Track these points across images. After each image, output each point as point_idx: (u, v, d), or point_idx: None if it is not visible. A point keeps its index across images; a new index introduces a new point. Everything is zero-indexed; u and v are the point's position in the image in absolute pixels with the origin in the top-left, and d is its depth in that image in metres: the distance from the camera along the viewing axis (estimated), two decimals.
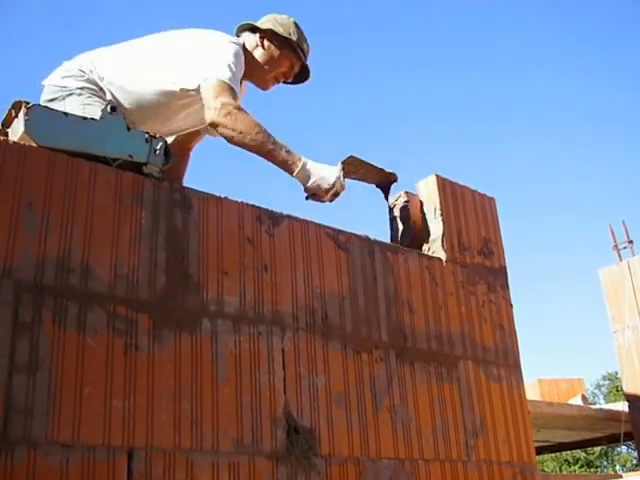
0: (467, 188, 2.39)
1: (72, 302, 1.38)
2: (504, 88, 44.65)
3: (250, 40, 2.30)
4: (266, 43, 2.28)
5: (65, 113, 1.50)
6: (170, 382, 1.45)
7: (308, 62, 2.36)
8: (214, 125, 1.98)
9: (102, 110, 1.56)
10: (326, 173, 2.01)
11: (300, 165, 1.98)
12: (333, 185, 2.01)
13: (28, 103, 1.47)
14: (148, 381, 1.42)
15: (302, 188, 2.03)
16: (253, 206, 1.76)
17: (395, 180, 2.28)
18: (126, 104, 2.13)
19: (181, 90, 2.10)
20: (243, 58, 2.18)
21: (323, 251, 1.85)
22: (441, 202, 2.24)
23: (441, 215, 2.22)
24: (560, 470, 22.39)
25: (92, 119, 1.53)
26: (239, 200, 1.76)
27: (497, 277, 2.32)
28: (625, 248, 5.37)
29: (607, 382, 25.81)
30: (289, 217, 1.82)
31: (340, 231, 1.93)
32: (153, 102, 2.14)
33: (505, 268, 2.37)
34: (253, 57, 2.27)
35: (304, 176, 1.99)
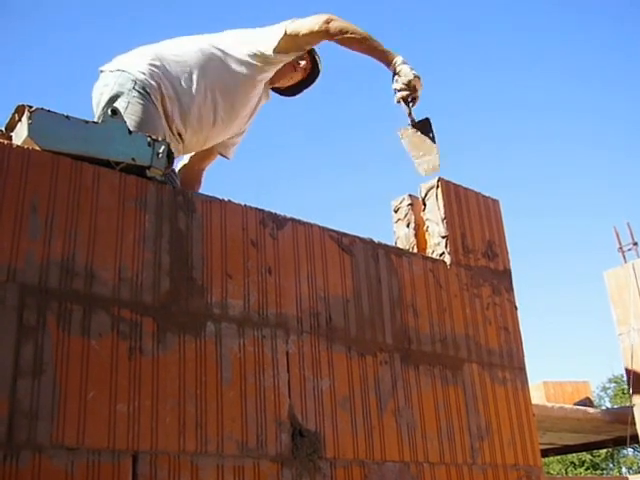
0: (471, 190, 2.38)
1: (76, 305, 1.38)
2: (507, 89, 44.63)
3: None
4: (304, 61, 2.46)
5: (68, 117, 1.50)
6: (175, 385, 1.45)
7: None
8: (329, 21, 2.21)
9: (104, 114, 1.56)
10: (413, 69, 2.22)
11: (397, 58, 2.23)
12: (419, 77, 2.21)
13: (31, 107, 1.47)
14: (153, 384, 1.42)
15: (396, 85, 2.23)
16: (257, 209, 1.76)
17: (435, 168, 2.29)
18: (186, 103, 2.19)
19: (261, 54, 2.22)
20: None
21: (327, 254, 1.85)
22: (445, 205, 2.24)
23: (445, 218, 2.21)
24: (566, 472, 22.30)
25: (95, 122, 1.54)
26: (243, 203, 1.76)
27: (502, 279, 2.31)
28: (630, 250, 5.36)
29: (613, 385, 25.72)
30: (293, 220, 1.82)
31: (344, 234, 1.93)
32: (236, 76, 2.23)
33: (510, 270, 2.37)
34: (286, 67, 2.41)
35: (401, 63, 2.22)
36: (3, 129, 1.54)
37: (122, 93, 2.05)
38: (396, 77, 2.21)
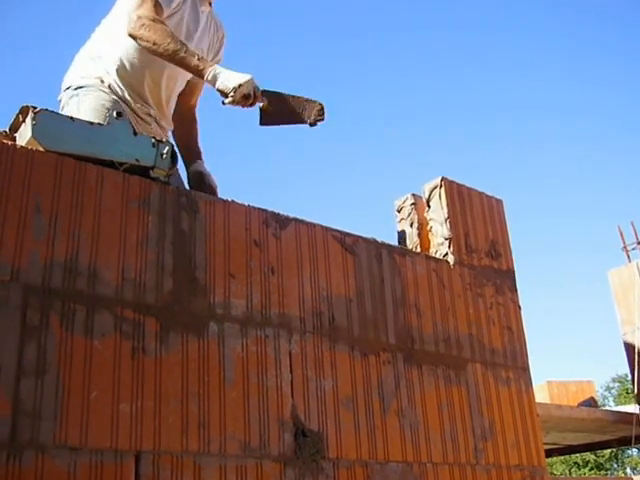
0: (474, 190, 2.38)
1: (79, 305, 1.38)
2: (512, 89, 44.55)
3: None
4: None
5: (72, 118, 1.51)
6: (177, 385, 1.45)
7: None
8: (131, 37, 2.05)
9: (109, 115, 1.56)
10: (235, 76, 1.99)
11: (210, 70, 1.99)
12: (239, 85, 1.97)
13: (35, 108, 1.48)
14: (155, 384, 1.42)
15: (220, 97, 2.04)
16: (260, 209, 1.76)
17: (321, 114, 2.15)
18: (131, 72, 2.16)
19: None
20: None
21: (330, 254, 1.85)
22: (448, 204, 2.24)
23: (448, 217, 2.21)
24: (569, 473, 22.25)
25: (99, 124, 1.54)
26: (246, 203, 1.76)
27: (505, 279, 2.31)
28: (634, 249, 5.35)
29: (617, 384, 25.65)
30: (296, 220, 1.82)
31: (347, 234, 1.92)
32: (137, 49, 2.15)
33: (513, 270, 2.36)
34: None
35: (214, 79, 1.99)
36: (7, 130, 1.55)
37: (71, 100, 2.10)
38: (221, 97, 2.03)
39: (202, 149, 2.47)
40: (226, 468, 1.45)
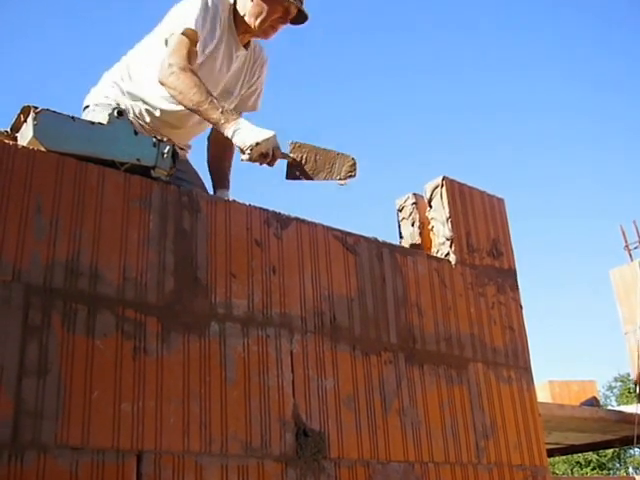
0: (475, 189, 2.38)
1: (81, 305, 1.38)
2: (514, 88, 44.48)
3: None
4: None
5: (73, 117, 1.50)
6: (179, 385, 1.45)
7: (304, 3, 2.30)
8: (161, 84, 2.06)
9: (109, 115, 1.56)
10: (255, 133, 1.94)
11: (229, 125, 1.96)
12: (256, 144, 1.92)
13: (37, 108, 1.48)
14: (157, 384, 1.42)
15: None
16: (261, 209, 1.76)
17: (352, 169, 2.12)
18: (157, 112, 2.20)
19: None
20: (227, 13, 2.23)
21: (331, 253, 1.85)
22: (449, 204, 2.23)
23: (449, 217, 2.21)
24: (572, 472, 22.24)
25: (100, 123, 1.54)
26: (247, 203, 1.76)
27: (506, 278, 2.31)
28: (636, 248, 5.34)
29: (619, 384, 25.62)
30: (297, 220, 1.82)
31: (348, 233, 1.92)
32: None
33: (515, 269, 2.36)
34: (247, 10, 2.27)
35: (232, 134, 1.96)
36: (9, 130, 1.55)
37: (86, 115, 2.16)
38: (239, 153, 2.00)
39: (231, 180, 2.48)
40: (227, 468, 1.45)
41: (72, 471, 1.25)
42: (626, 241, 5.43)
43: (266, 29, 2.31)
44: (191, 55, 2.07)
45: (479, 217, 2.33)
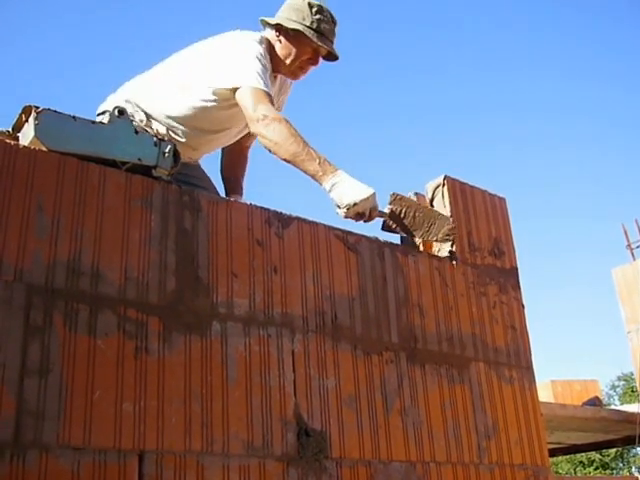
0: (477, 188, 2.37)
1: (83, 305, 1.38)
2: (516, 88, 44.44)
3: (271, 35, 2.30)
4: (281, 37, 2.27)
5: (74, 117, 1.51)
6: (180, 385, 1.45)
7: (334, 42, 2.30)
8: (254, 134, 2.05)
9: (110, 114, 1.56)
10: (354, 192, 1.89)
11: (327, 179, 1.91)
12: (354, 204, 1.88)
13: (38, 107, 1.48)
14: (158, 384, 1.42)
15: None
16: (262, 208, 1.76)
17: (451, 233, 2.11)
18: (179, 132, 2.20)
19: (215, 92, 2.13)
20: (268, 56, 2.20)
21: (332, 253, 1.85)
22: (451, 203, 2.23)
23: (451, 216, 2.20)
24: (575, 472, 22.21)
25: (101, 123, 1.54)
26: (248, 202, 1.76)
27: (508, 278, 2.30)
28: (638, 247, 5.33)
29: (622, 383, 25.58)
30: (298, 219, 1.82)
31: (350, 232, 1.92)
32: (197, 118, 2.18)
33: (516, 268, 2.36)
34: (276, 52, 2.27)
35: (330, 188, 1.91)
36: (10, 130, 1.55)
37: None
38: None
39: (244, 187, 2.49)
40: (229, 468, 1.45)
41: (74, 471, 1.25)
42: (628, 240, 5.43)
43: (294, 70, 2.31)
44: (271, 100, 2.06)
45: (480, 216, 2.32)
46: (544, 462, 2.13)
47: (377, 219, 2.02)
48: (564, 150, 44.82)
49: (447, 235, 2.09)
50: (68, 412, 1.29)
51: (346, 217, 1.92)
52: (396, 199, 2.06)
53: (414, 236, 2.11)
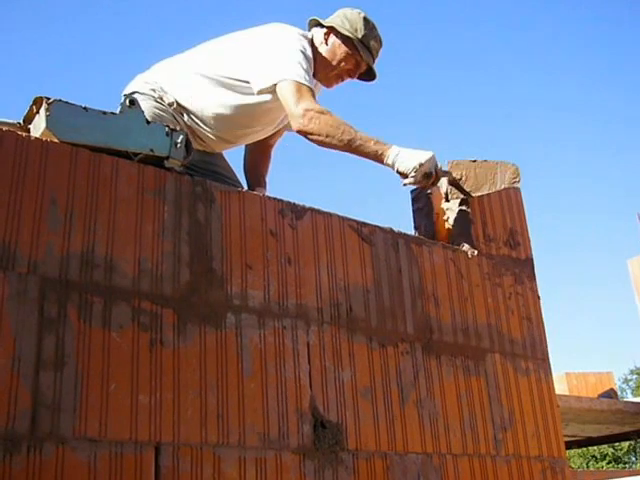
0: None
1: (97, 297, 1.37)
2: (531, 79, 44.23)
3: (318, 36, 2.29)
4: (330, 40, 2.26)
5: (85, 108, 1.49)
6: (196, 377, 1.44)
7: (376, 62, 2.30)
8: (302, 134, 2.02)
9: (121, 104, 1.55)
10: (416, 156, 1.96)
11: (388, 153, 1.96)
12: (420, 165, 1.95)
13: (49, 98, 1.47)
14: (174, 376, 1.41)
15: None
16: (275, 199, 1.74)
17: (516, 175, 2.21)
18: (215, 126, 2.19)
19: (259, 92, 2.11)
20: (311, 53, 2.18)
21: (347, 244, 1.83)
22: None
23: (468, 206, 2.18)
24: (587, 466, 22.13)
25: (112, 113, 1.53)
26: (261, 193, 1.75)
27: (524, 268, 2.28)
28: None
29: (635, 377, 25.45)
30: (312, 210, 1.80)
31: (364, 223, 1.90)
32: (237, 114, 2.17)
33: (532, 259, 2.33)
34: (319, 53, 2.26)
35: (392, 163, 1.98)
36: (21, 121, 1.54)
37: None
38: (400, 178, 2.02)
39: (268, 183, 2.49)
40: (245, 460, 1.44)
41: (90, 463, 1.25)
42: None
43: (331, 78, 2.29)
44: (313, 94, 2.05)
45: (496, 207, 2.30)
46: (561, 454, 2.11)
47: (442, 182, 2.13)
48: (578, 139, 44.60)
49: (513, 179, 2.15)
50: (84, 404, 1.28)
51: (414, 182, 1.98)
52: (454, 165, 2.14)
53: (481, 192, 2.17)
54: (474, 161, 2.12)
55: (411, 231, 2.22)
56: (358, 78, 2.33)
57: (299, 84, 2.01)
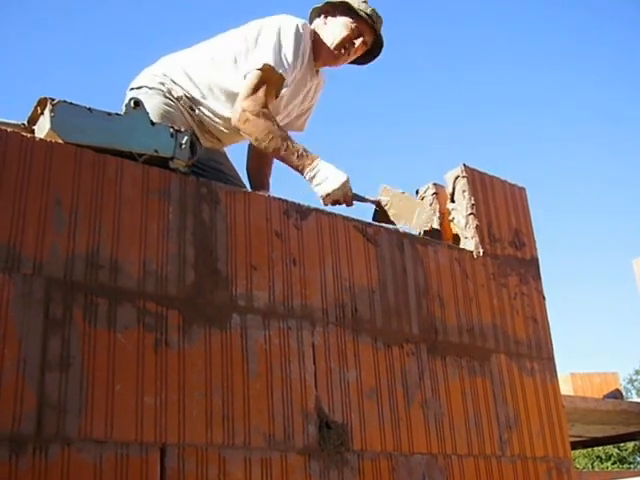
0: (497, 178, 2.34)
1: (102, 298, 1.37)
2: (539, 80, 44.13)
3: (318, 22, 2.32)
4: (328, 19, 2.29)
5: (90, 109, 1.49)
6: (201, 378, 1.44)
7: (378, 26, 2.30)
8: (237, 129, 2.08)
9: (126, 105, 1.55)
10: (327, 180, 2.01)
11: (307, 170, 2.02)
12: (327, 195, 2.02)
13: (53, 99, 1.47)
14: (179, 377, 1.41)
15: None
16: (280, 200, 1.74)
17: (430, 221, 2.20)
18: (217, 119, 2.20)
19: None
20: (304, 34, 2.19)
21: (352, 244, 1.83)
22: (470, 193, 2.20)
23: (471, 206, 2.17)
24: (592, 466, 22.06)
25: (117, 114, 1.53)
26: (266, 193, 1.74)
27: (529, 269, 2.27)
28: None
29: None
30: (317, 210, 1.80)
31: (368, 224, 1.90)
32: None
33: (537, 259, 2.32)
34: (320, 38, 2.28)
35: (310, 181, 2.04)
36: (26, 122, 1.54)
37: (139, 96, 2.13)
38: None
39: (270, 186, 2.50)
40: (251, 461, 1.44)
41: (96, 464, 1.25)
42: None
43: (338, 54, 2.29)
44: (269, 97, 2.07)
45: (500, 206, 2.29)
46: (566, 454, 2.10)
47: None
48: (585, 140, 44.48)
49: (426, 222, 2.18)
50: (89, 405, 1.28)
51: (326, 205, 2.03)
52: (385, 190, 2.20)
53: (398, 223, 2.19)
54: (403, 193, 2.19)
55: (415, 231, 2.21)
56: (367, 56, 2.35)
57: (262, 77, 2.04)
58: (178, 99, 2.17)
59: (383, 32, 2.32)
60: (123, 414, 1.31)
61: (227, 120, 2.17)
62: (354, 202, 2.09)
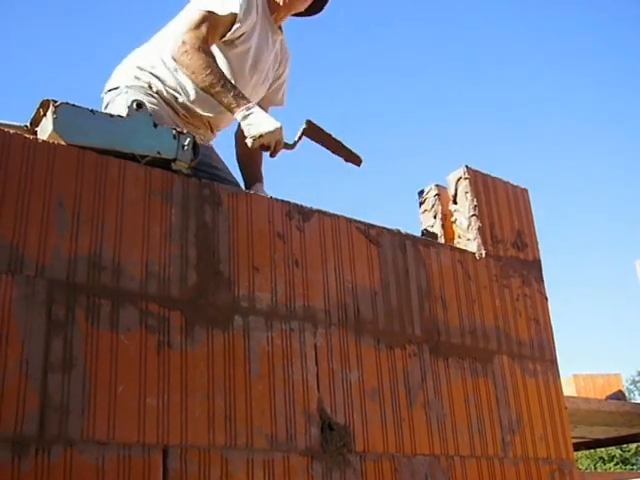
0: (499, 179, 2.34)
1: (104, 300, 1.37)
2: (541, 83, 44.09)
3: None
4: None
5: (92, 110, 1.50)
6: (203, 379, 1.44)
7: None
8: (173, 60, 2.04)
9: (128, 107, 1.55)
10: (261, 122, 1.95)
11: (239, 110, 1.96)
12: (260, 136, 1.94)
13: (56, 101, 1.47)
14: (181, 378, 1.41)
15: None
16: (282, 201, 1.74)
17: (358, 163, 2.21)
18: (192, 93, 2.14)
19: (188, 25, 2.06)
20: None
21: (354, 246, 1.83)
22: (473, 195, 2.20)
23: (473, 208, 2.17)
24: (595, 468, 22.03)
25: (119, 116, 1.53)
26: (268, 195, 1.74)
27: (531, 270, 2.27)
28: None
29: None
30: (319, 212, 1.80)
31: (371, 225, 1.90)
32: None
33: (539, 261, 2.32)
34: None
35: (241, 119, 1.97)
36: (28, 124, 1.54)
37: (118, 98, 2.10)
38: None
39: (264, 174, 2.45)
40: (253, 462, 1.44)
41: (99, 465, 1.25)
42: None
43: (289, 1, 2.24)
44: (211, 34, 2.03)
45: (503, 208, 2.29)
46: (569, 456, 2.10)
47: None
48: (586, 140, 44.42)
49: (355, 161, 2.19)
50: (92, 407, 1.28)
51: (252, 147, 1.99)
52: (310, 126, 2.13)
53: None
54: (329, 134, 2.16)
55: (418, 233, 2.21)
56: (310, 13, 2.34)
57: (200, 14, 2.01)
58: (159, 93, 2.12)
59: None
60: (125, 415, 1.31)
61: (208, 101, 2.12)
62: (281, 150, 2.04)
